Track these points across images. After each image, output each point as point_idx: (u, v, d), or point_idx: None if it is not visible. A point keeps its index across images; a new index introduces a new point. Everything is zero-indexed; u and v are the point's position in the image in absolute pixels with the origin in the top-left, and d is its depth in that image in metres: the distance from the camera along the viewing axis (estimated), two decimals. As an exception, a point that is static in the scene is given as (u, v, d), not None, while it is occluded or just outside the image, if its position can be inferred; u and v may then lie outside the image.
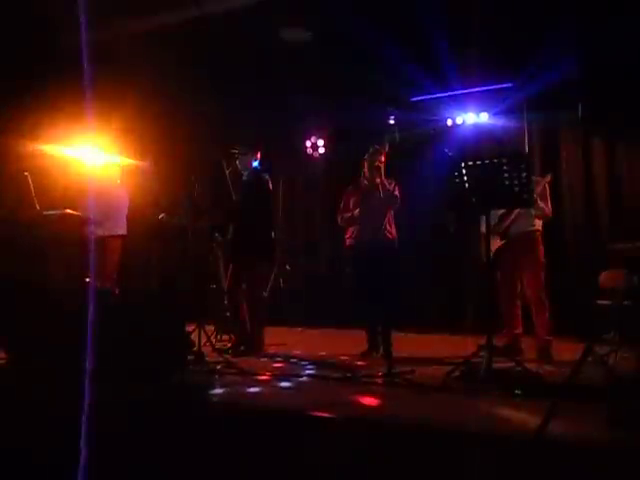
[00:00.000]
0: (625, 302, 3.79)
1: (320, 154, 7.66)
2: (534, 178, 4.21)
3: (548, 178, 4.27)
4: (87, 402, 2.47)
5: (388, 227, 4.47)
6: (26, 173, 4.26)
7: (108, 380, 2.56)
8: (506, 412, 2.46)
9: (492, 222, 4.24)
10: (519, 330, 4.23)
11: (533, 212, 4.12)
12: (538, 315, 4.07)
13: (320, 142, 7.64)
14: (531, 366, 3.53)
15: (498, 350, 3.37)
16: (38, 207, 4.21)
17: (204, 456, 2.32)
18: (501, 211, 4.14)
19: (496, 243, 4.14)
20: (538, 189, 4.10)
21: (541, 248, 4.20)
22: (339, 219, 4.70)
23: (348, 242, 4.63)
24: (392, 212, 4.52)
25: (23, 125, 5.87)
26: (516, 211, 4.09)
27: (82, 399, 2.55)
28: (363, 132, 6.31)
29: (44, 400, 2.73)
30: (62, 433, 2.34)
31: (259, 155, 4.77)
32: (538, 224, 4.22)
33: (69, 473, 2.09)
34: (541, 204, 4.11)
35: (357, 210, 4.54)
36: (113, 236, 5.15)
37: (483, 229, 4.28)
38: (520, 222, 4.14)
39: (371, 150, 4.55)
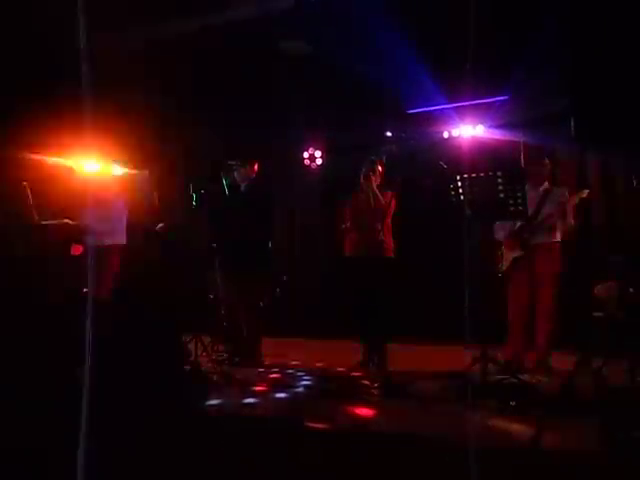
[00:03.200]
0: (618, 313, 3.82)
1: (317, 165, 7.70)
2: (566, 193, 4.15)
3: (584, 193, 4.13)
4: (84, 413, 2.47)
5: (384, 239, 4.43)
6: (24, 183, 4.28)
7: (104, 390, 2.56)
8: (501, 424, 2.48)
9: (496, 234, 4.22)
10: (522, 343, 4.10)
11: (559, 224, 4.06)
12: (544, 327, 3.99)
13: (317, 153, 7.68)
14: (527, 378, 3.54)
15: (500, 366, 3.35)
16: (36, 217, 4.22)
17: (199, 466, 2.33)
18: (518, 223, 4.09)
19: (509, 253, 4.12)
20: (572, 203, 4.05)
21: (560, 260, 4.12)
22: (342, 229, 4.73)
23: (346, 253, 4.65)
24: (388, 223, 4.52)
25: (21, 135, 5.90)
26: (537, 221, 4.02)
27: (79, 409, 2.55)
28: (360, 144, 6.36)
29: (40, 407, 2.74)
30: (60, 444, 2.34)
31: (256, 167, 4.81)
32: (559, 236, 4.14)
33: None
34: (571, 220, 4.06)
35: (349, 221, 4.58)
36: (112, 246, 5.16)
37: (498, 237, 4.22)
38: (541, 233, 4.06)
39: (366, 161, 4.59)
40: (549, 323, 4.01)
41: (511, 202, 3.04)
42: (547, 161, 4.26)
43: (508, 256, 4.12)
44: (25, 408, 2.76)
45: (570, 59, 4.62)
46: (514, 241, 4.11)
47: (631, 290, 3.93)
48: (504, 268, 4.11)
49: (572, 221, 4.11)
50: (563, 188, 4.24)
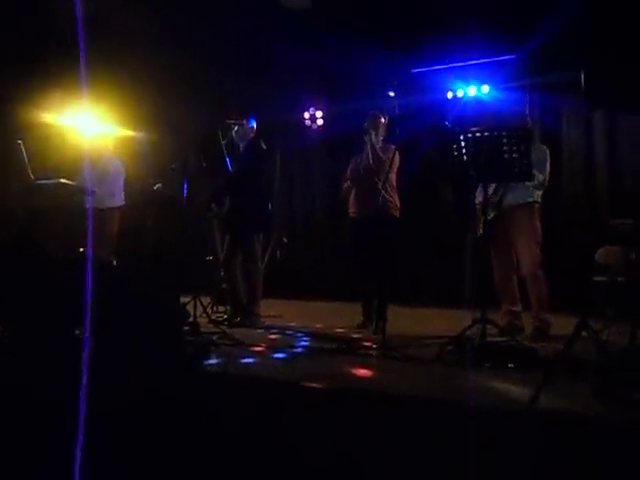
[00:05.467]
0: (620, 278, 3.79)
1: (318, 126, 7.58)
2: (546, 149, 3.99)
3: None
4: (84, 371, 2.48)
5: (388, 197, 4.23)
6: (19, 141, 4.20)
7: (103, 350, 2.57)
8: (499, 385, 2.48)
9: (476, 197, 4.09)
10: (517, 307, 4.04)
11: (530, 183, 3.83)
12: (533, 291, 3.88)
13: (318, 114, 7.54)
14: (525, 340, 3.54)
15: (499, 330, 3.33)
16: (32, 176, 4.17)
17: (197, 426, 2.34)
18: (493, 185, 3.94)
19: (483, 216, 3.99)
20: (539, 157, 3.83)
21: (537, 220, 3.97)
22: (343, 189, 4.62)
23: (350, 213, 4.55)
24: (392, 180, 4.29)
25: (18, 94, 5.78)
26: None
27: (78, 367, 2.56)
28: (362, 103, 6.22)
29: (41, 368, 2.75)
30: (60, 401, 2.36)
31: (255, 126, 4.71)
32: (537, 195, 3.96)
33: (66, 443, 2.12)
34: (539, 175, 3.83)
35: (350, 179, 4.47)
36: (111, 208, 5.13)
37: (478, 200, 4.06)
38: (515, 193, 3.92)
39: (369, 115, 4.44)
40: (538, 287, 3.86)
41: (516, 163, 2.96)
42: (529, 119, 4.08)
43: (483, 219, 4.00)
44: (24, 363, 2.78)
45: (582, 16, 4.46)
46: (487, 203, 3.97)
47: (633, 255, 3.89)
48: (480, 232, 3.92)
49: (542, 177, 3.89)
50: (543, 146, 4.08)
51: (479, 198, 4.06)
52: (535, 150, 3.91)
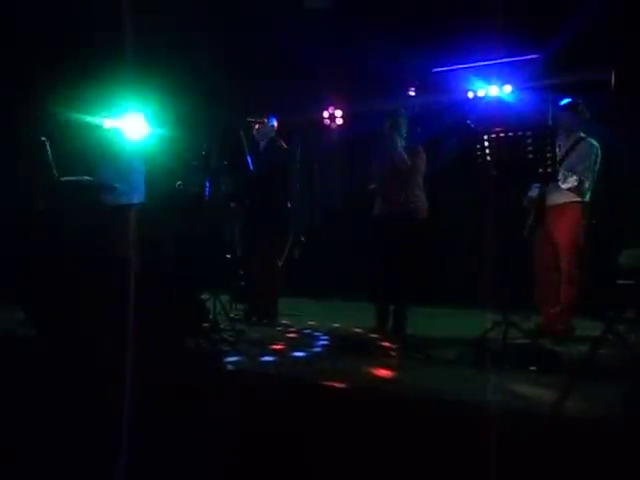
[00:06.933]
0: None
1: (338, 125, 7.57)
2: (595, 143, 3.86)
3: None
4: (109, 368, 2.51)
5: (414, 198, 4.12)
6: (44, 139, 4.26)
7: (124, 347, 2.59)
8: (520, 388, 2.45)
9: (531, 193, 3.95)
10: (556, 310, 3.89)
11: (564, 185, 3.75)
12: (564, 291, 3.79)
13: (338, 113, 7.53)
14: (549, 343, 3.49)
15: (521, 331, 3.27)
16: (56, 173, 4.22)
17: (216, 424, 2.35)
18: None
19: (529, 216, 3.89)
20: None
21: (579, 221, 3.84)
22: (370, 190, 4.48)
23: (375, 214, 4.38)
24: (418, 180, 4.18)
25: (40, 92, 5.86)
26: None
27: (102, 364, 2.59)
28: (382, 103, 6.20)
29: (68, 364, 2.78)
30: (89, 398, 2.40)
31: (277, 124, 4.72)
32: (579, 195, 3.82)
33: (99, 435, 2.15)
34: (572, 176, 3.72)
35: (376, 180, 4.37)
36: (129, 204, 5.16)
37: (530, 197, 3.93)
38: (560, 192, 3.77)
39: (389, 113, 4.32)
40: (571, 286, 3.79)
41: (540, 164, 2.91)
42: (584, 109, 3.94)
43: (528, 219, 3.89)
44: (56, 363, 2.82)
45: (607, 16, 4.37)
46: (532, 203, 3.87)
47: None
48: (526, 233, 3.89)
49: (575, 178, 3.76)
50: (591, 143, 3.94)
51: (528, 197, 3.97)
52: (579, 147, 3.86)
